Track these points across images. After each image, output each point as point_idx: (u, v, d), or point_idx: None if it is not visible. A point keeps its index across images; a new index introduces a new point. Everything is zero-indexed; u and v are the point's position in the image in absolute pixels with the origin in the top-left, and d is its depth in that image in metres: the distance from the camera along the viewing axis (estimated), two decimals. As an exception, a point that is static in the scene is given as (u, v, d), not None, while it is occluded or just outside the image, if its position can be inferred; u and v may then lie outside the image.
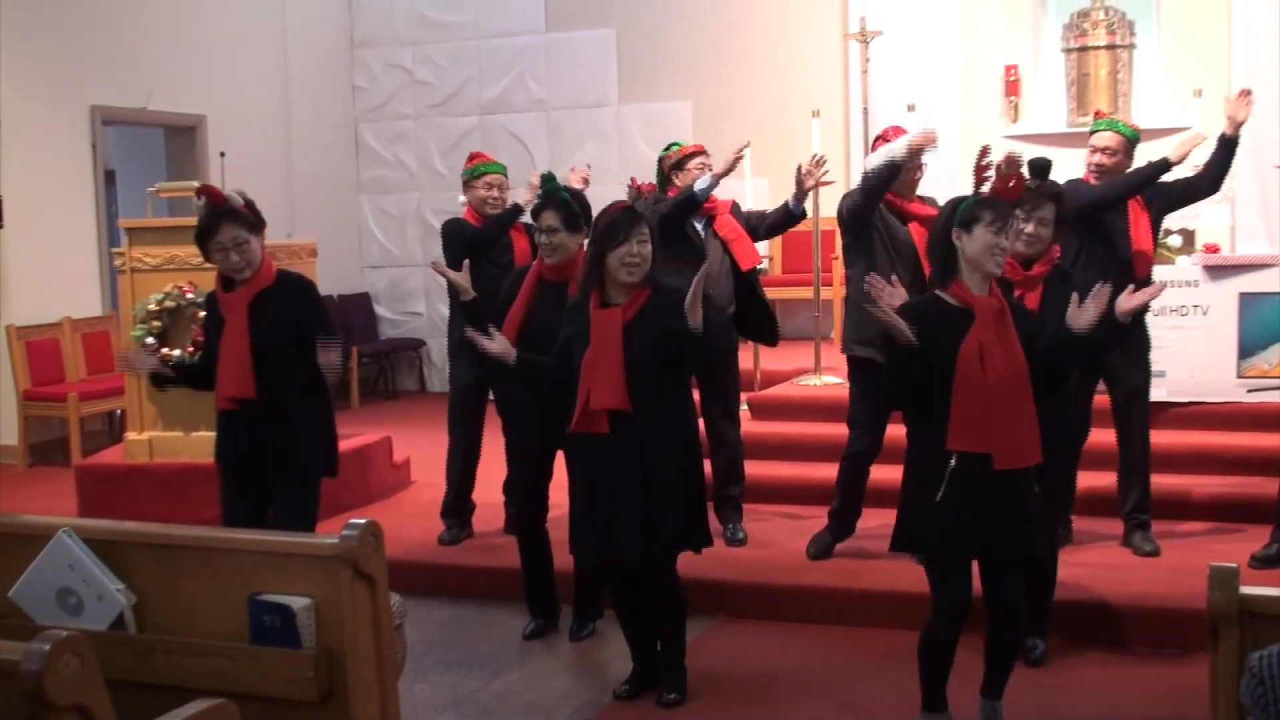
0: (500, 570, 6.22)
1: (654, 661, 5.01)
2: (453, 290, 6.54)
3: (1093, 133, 6.15)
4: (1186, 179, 6.17)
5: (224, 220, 4.85)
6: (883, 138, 6.07)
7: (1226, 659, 2.90)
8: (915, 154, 5.76)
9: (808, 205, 6.64)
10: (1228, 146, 5.98)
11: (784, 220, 6.50)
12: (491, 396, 6.67)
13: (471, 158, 6.90)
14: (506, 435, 5.65)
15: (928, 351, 4.16)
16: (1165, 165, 5.94)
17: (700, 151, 6.55)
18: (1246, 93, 6.11)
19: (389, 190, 12.55)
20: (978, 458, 4.16)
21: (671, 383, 4.74)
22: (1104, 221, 5.91)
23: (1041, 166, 4.95)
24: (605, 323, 4.64)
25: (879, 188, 5.78)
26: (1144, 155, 6.16)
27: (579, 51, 11.79)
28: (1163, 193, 6.07)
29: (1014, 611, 4.35)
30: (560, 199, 5.39)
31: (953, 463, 4.18)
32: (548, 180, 5.51)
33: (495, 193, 6.66)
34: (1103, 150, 6.02)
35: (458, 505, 6.85)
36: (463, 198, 6.80)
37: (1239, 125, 5.96)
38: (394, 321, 12.62)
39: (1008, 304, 4.29)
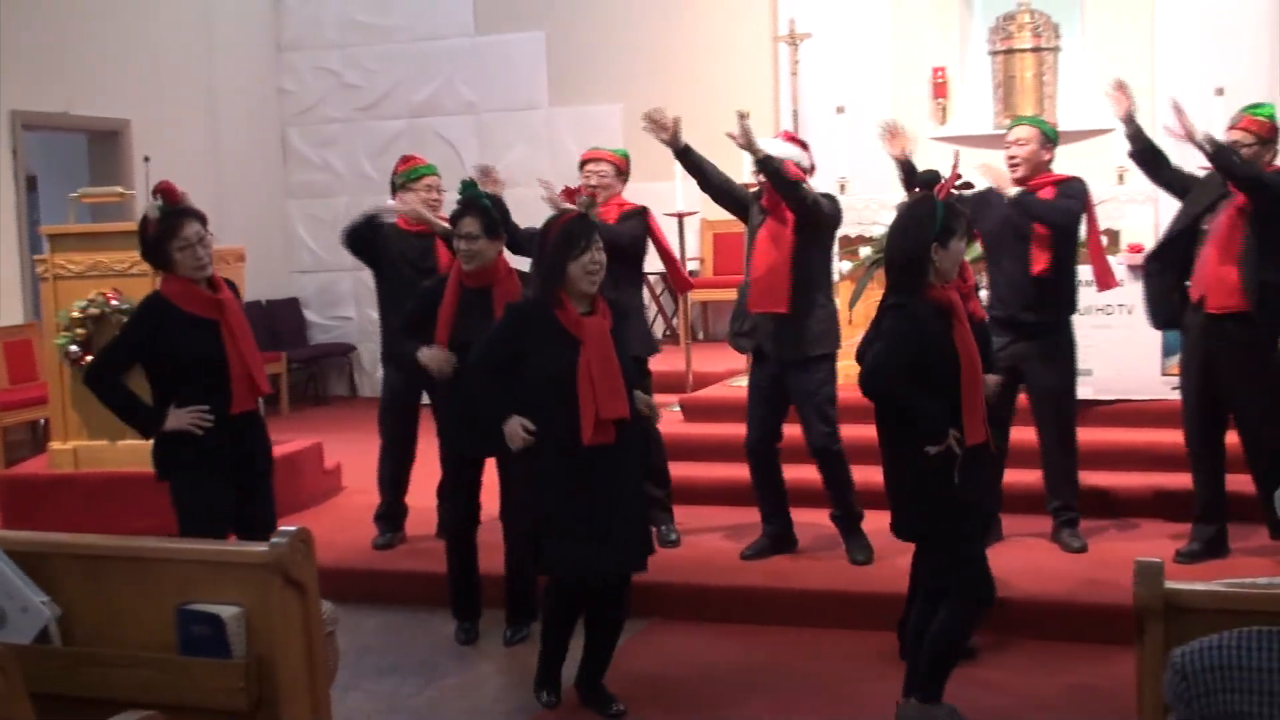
0: (434, 575, 6.17)
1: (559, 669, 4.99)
2: (383, 297, 6.53)
3: (1008, 129, 6.26)
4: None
5: (186, 217, 4.78)
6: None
7: (1152, 653, 2.94)
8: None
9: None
10: (1135, 135, 6.08)
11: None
12: (426, 400, 6.64)
13: (405, 161, 6.84)
14: (441, 440, 5.62)
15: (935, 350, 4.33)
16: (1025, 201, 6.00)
17: (598, 158, 6.53)
18: (1121, 85, 6.16)
19: (317, 194, 12.44)
20: (979, 446, 4.38)
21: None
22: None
23: (931, 180, 4.97)
24: (597, 332, 4.60)
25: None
26: (1072, 156, 6.25)
27: (509, 54, 11.76)
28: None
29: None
30: (480, 205, 5.39)
31: (959, 451, 4.32)
32: (467, 186, 5.49)
33: (435, 194, 6.62)
34: (1015, 143, 6.10)
35: (390, 510, 6.81)
36: (393, 202, 6.73)
37: (1129, 115, 6.07)
38: (324, 327, 12.51)
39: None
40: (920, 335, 4.32)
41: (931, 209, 4.37)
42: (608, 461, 4.57)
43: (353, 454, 8.16)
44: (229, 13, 11.85)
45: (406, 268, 6.44)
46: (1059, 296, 6.05)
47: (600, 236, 4.67)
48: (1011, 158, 6.09)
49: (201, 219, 4.84)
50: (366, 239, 6.53)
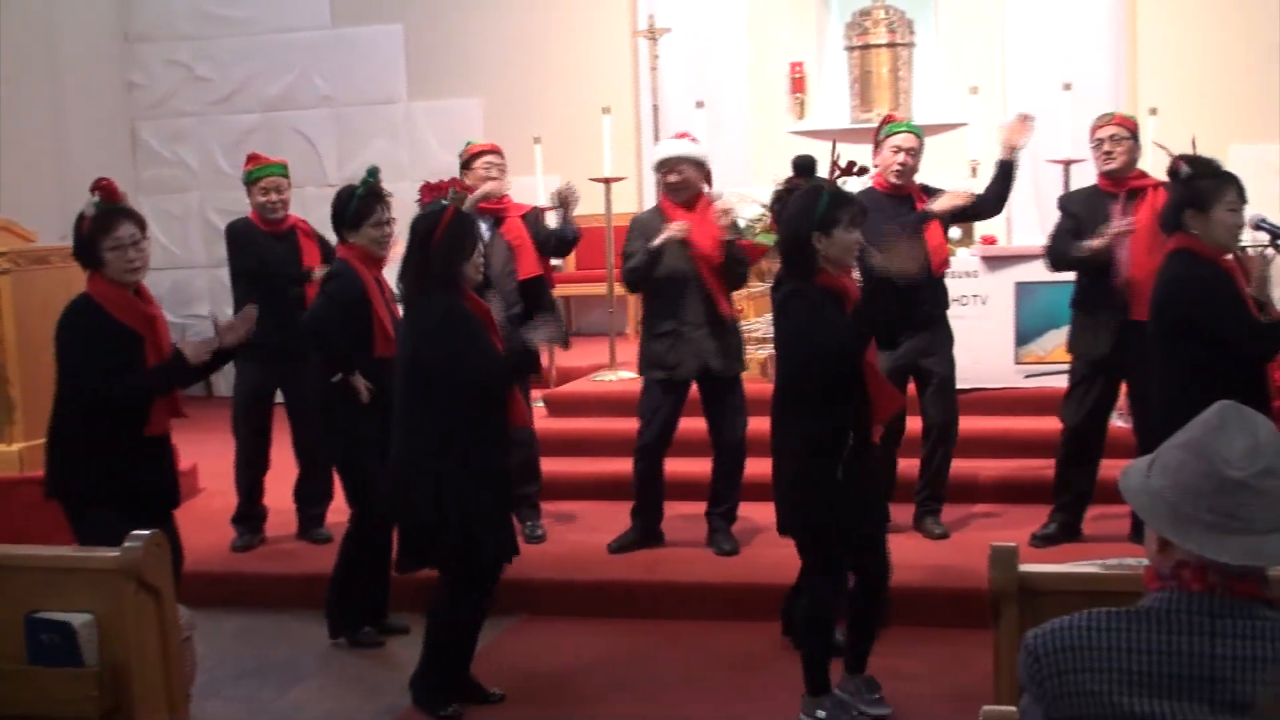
0: (295, 577, 6.10)
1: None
2: (239, 299, 6.39)
3: (893, 133, 6.20)
4: (976, 199, 6.26)
5: (121, 216, 4.54)
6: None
7: (1008, 636, 3.01)
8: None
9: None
10: (1005, 172, 6.15)
11: (560, 245, 6.55)
12: (281, 399, 6.54)
13: (249, 159, 6.70)
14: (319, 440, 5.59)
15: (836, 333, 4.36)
16: (928, 217, 6.08)
17: (490, 150, 6.50)
18: (1025, 119, 6.23)
19: (170, 190, 12.14)
20: (862, 435, 4.42)
21: None
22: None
23: (807, 165, 5.00)
24: (494, 316, 4.74)
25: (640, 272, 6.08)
26: (926, 150, 6.33)
27: (366, 47, 11.59)
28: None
29: (886, 585, 4.63)
30: (383, 191, 5.43)
31: (850, 441, 4.37)
32: (372, 174, 5.44)
33: (274, 196, 6.49)
34: (907, 151, 6.13)
35: (248, 511, 6.68)
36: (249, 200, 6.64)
37: (1014, 150, 6.14)
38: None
39: None
40: (818, 319, 4.37)
41: (815, 199, 4.42)
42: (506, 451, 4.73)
43: (210, 455, 7.98)
44: (72, 3, 11.50)
45: (268, 268, 6.35)
46: (937, 292, 6.17)
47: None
48: (903, 162, 6.13)
49: (139, 222, 4.60)
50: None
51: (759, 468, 6.45)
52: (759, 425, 6.39)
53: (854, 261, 4.47)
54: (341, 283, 5.31)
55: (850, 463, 4.36)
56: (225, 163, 11.74)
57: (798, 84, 10.70)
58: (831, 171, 4.58)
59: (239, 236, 6.46)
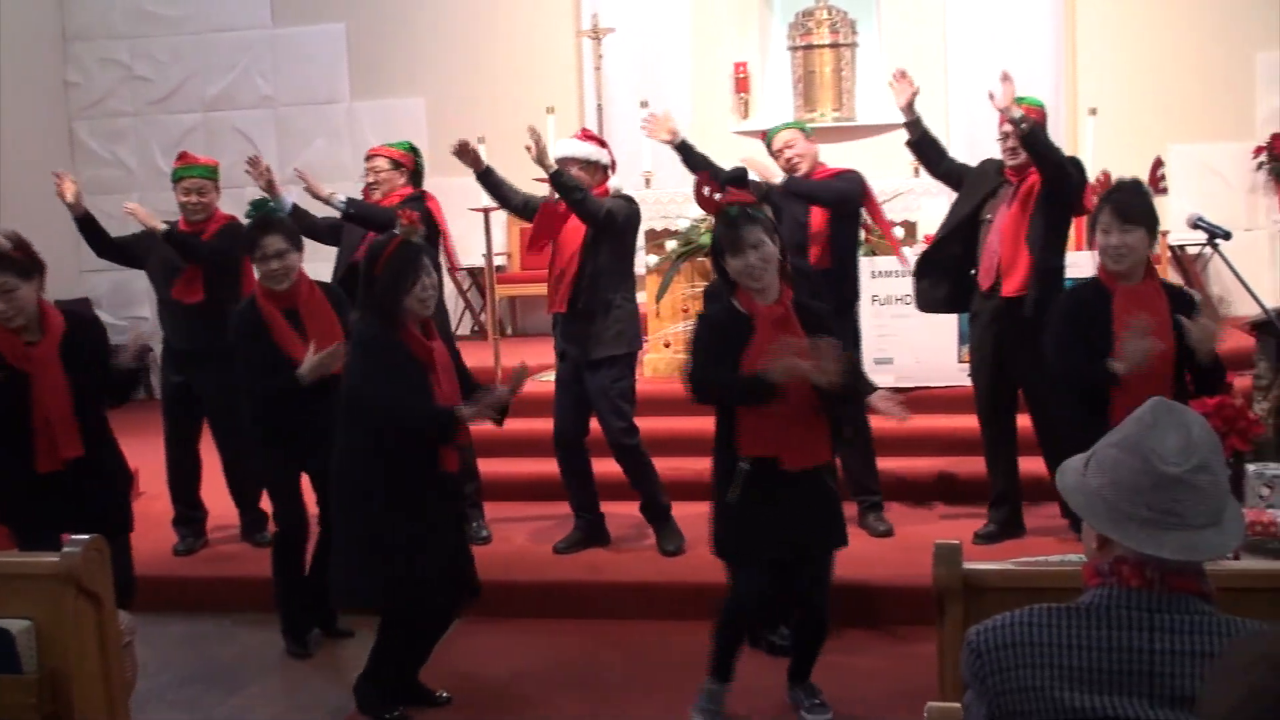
0: (239, 580, 6.04)
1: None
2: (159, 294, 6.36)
3: (773, 137, 6.37)
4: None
5: None
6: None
7: (952, 633, 3.02)
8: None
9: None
10: (917, 130, 6.18)
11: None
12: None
13: (179, 158, 6.68)
14: (243, 446, 5.52)
15: (729, 358, 4.35)
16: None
17: (373, 155, 6.63)
18: (902, 74, 6.31)
19: (108, 190, 11.95)
20: (766, 461, 4.35)
21: None
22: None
23: (738, 178, 5.02)
24: (444, 355, 4.64)
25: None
26: (870, 150, 6.39)
27: (307, 47, 11.51)
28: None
29: (820, 604, 4.58)
30: (280, 220, 5.30)
31: (745, 466, 4.35)
32: (259, 206, 5.33)
33: (195, 198, 6.44)
34: (787, 146, 6.29)
35: (188, 514, 6.62)
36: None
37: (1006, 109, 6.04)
38: (118, 327, 12.03)
39: (794, 309, 4.41)
40: (710, 336, 4.42)
41: (716, 223, 4.47)
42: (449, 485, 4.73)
43: (152, 458, 7.88)
44: (8, 0, 11.34)
45: (172, 271, 6.32)
46: (838, 287, 6.18)
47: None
48: (789, 160, 6.22)
49: (18, 267, 4.53)
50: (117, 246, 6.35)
51: (699, 466, 6.49)
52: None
53: (755, 284, 4.37)
54: (236, 319, 5.24)
55: (749, 488, 4.36)
56: (165, 163, 11.55)
57: (741, 84, 10.74)
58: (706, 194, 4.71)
59: (145, 238, 6.48)
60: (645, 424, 6.27)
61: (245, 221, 5.37)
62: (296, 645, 5.48)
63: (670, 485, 6.28)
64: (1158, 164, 5.04)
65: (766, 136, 6.45)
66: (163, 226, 6.18)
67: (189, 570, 6.33)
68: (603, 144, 6.22)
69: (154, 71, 11.82)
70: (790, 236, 6.07)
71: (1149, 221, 4.69)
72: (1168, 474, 2.08)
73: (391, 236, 4.61)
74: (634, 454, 6.15)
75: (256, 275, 5.26)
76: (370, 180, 6.50)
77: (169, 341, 6.53)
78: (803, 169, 6.20)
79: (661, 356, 8.06)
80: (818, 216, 6.20)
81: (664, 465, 6.31)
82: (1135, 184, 4.84)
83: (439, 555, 4.57)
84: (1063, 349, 4.78)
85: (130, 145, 11.94)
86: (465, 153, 6.08)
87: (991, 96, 5.78)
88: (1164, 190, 5.01)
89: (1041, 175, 5.69)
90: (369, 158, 6.58)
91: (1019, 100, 5.95)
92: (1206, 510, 2.09)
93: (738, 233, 4.36)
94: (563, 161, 6.03)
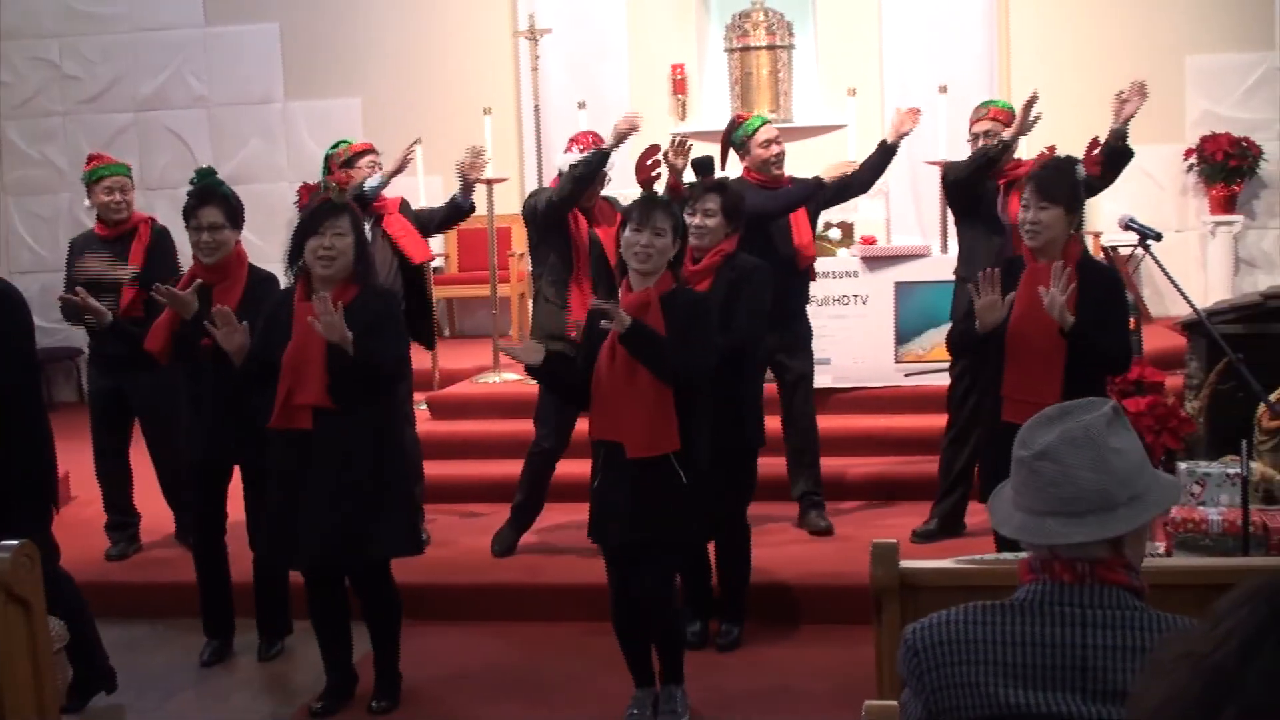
0: (173, 585, 5.96)
1: (349, 674, 4.89)
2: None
3: (755, 129, 6.25)
4: (842, 179, 6.44)
5: None
6: (575, 141, 6.17)
7: (889, 631, 3.04)
8: (621, 139, 5.95)
9: (478, 200, 6.65)
10: (886, 153, 6.37)
11: (452, 214, 6.48)
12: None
13: (90, 159, 6.55)
14: (176, 450, 5.44)
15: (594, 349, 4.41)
16: (819, 184, 6.23)
17: (369, 150, 6.47)
18: (916, 111, 6.46)
19: (37, 191, 11.81)
20: (615, 447, 4.36)
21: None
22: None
23: (704, 164, 5.09)
24: (308, 316, 4.49)
25: (589, 176, 5.90)
26: (807, 151, 6.41)
27: (241, 46, 11.39)
28: (831, 186, 6.36)
29: (651, 599, 4.48)
30: (221, 193, 5.24)
31: (602, 452, 4.41)
32: (205, 174, 5.31)
33: (118, 196, 6.34)
34: (776, 140, 6.22)
35: (120, 518, 6.53)
36: (87, 202, 6.50)
37: (901, 137, 6.33)
38: (48, 330, 11.84)
39: (660, 299, 4.40)
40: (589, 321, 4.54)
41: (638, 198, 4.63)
42: (305, 451, 4.53)
43: (83, 462, 7.78)
44: (-65, -1, 11.16)
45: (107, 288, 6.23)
46: (806, 286, 6.23)
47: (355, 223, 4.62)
48: (779, 154, 6.19)
49: None
50: None
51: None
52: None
53: (638, 264, 4.39)
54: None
55: (603, 473, 4.43)
56: (92, 165, 11.47)
57: (679, 85, 10.75)
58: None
59: (71, 251, 6.38)
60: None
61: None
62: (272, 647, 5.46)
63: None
64: (1094, 144, 5.09)
65: (742, 128, 6.27)
66: (109, 317, 5.88)
67: (122, 575, 6.24)
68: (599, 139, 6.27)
69: (84, 70, 11.66)
70: (768, 247, 6.05)
71: (1069, 201, 4.65)
72: (1016, 455, 2.18)
73: (321, 196, 4.69)
74: None
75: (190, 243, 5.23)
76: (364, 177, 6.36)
77: (98, 347, 6.41)
78: (781, 170, 6.20)
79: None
80: (801, 227, 6.18)
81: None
82: (1061, 162, 4.88)
83: (272, 514, 4.69)
84: (965, 316, 4.79)
85: (60, 145, 11.76)
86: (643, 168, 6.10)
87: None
88: (1098, 170, 5.05)
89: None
90: (363, 153, 6.44)
91: (989, 104, 6.14)
92: (1044, 497, 2.13)
93: (650, 211, 4.40)
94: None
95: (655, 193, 4.60)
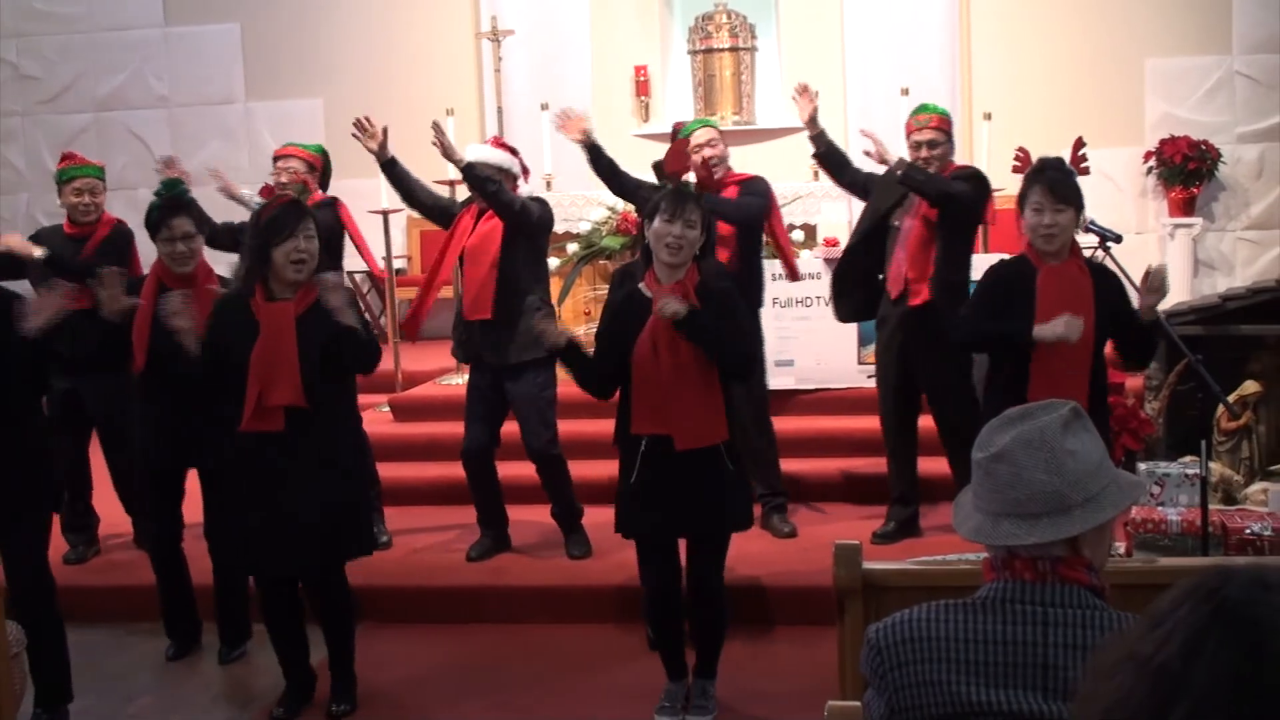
0: (133, 589, 5.90)
1: (308, 676, 4.86)
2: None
3: (688, 134, 6.25)
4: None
5: None
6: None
7: (853, 631, 3.04)
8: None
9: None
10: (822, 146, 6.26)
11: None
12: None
13: (62, 159, 6.52)
14: (131, 455, 5.39)
15: (624, 340, 4.40)
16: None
17: (287, 155, 6.44)
18: (804, 87, 6.30)
19: (-4, 191, 11.72)
20: (661, 440, 4.33)
21: (341, 381, 4.72)
22: None
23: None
24: (276, 317, 4.46)
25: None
26: (770, 153, 6.42)
27: (202, 46, 11.32)
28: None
29: (709, 589, 4.55)
30: (190, 203, 5.22)
31: (643, 447, 4.36)
32: (172, 185, 5.26)
33: (87, 198, 6.31)
34: (707, 144, 6.19)
35: (78, 521, 6.46)
36: (59, 201, 6.45)
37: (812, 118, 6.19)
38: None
39: (696, 290, 4.40)
40: (611, 321, 4.52)
41: (665, 188, 4.59)
42: (278, 452, 4.48)
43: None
44: (-110, -3, 11.04)
45: (68, 274, 6.16)
46: (744, 290, 6.20)
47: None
48: (708, 160, 6.17)
49: None
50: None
51: (605, 469, 6.47)
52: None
53: (668, 256, 4.38)
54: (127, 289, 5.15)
55: (644, 467, 4.40)
56: (54, 163, 11.35)
57: (642, 87, 10.75)
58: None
59: (42, 241, 6.31)
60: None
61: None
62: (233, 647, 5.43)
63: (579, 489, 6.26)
64: (1079, 144, 5.13)
65: (681, 131, 6.32)
66: (39, 253, 5.99)
67: (80, 579, 6.17)
68: (514, 152, 6.16)
69: (43, 70, 11.56)
70: None
71: (1078, 201, 4.70)
72: (974, 457, 2.19)
73: (280, 197, 4.60)
74: (557, 463, 6.11)
75: (159, 254, 5.16)
76: (280, 180, 6.33)
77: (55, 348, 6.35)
78: (719, 172, 6.17)
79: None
80: (726, 225, 6.18)
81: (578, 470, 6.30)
82: (1061, 162, 4.88)
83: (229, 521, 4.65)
84: (975, 316, 4.77)
85: (18, 146, 11.66)
86: (369, 134, 5.94)
87: (868, 153, 6.00)
88: (1086, 170, 5.06)
89: (930, 205, 5.79)
90: (281, 157, 6.40)
91: (924, 109, 6.06)
92: (999, 499, 2.14)
93: (682, 203, 4.39)
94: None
95: (685, 183, 4.56)
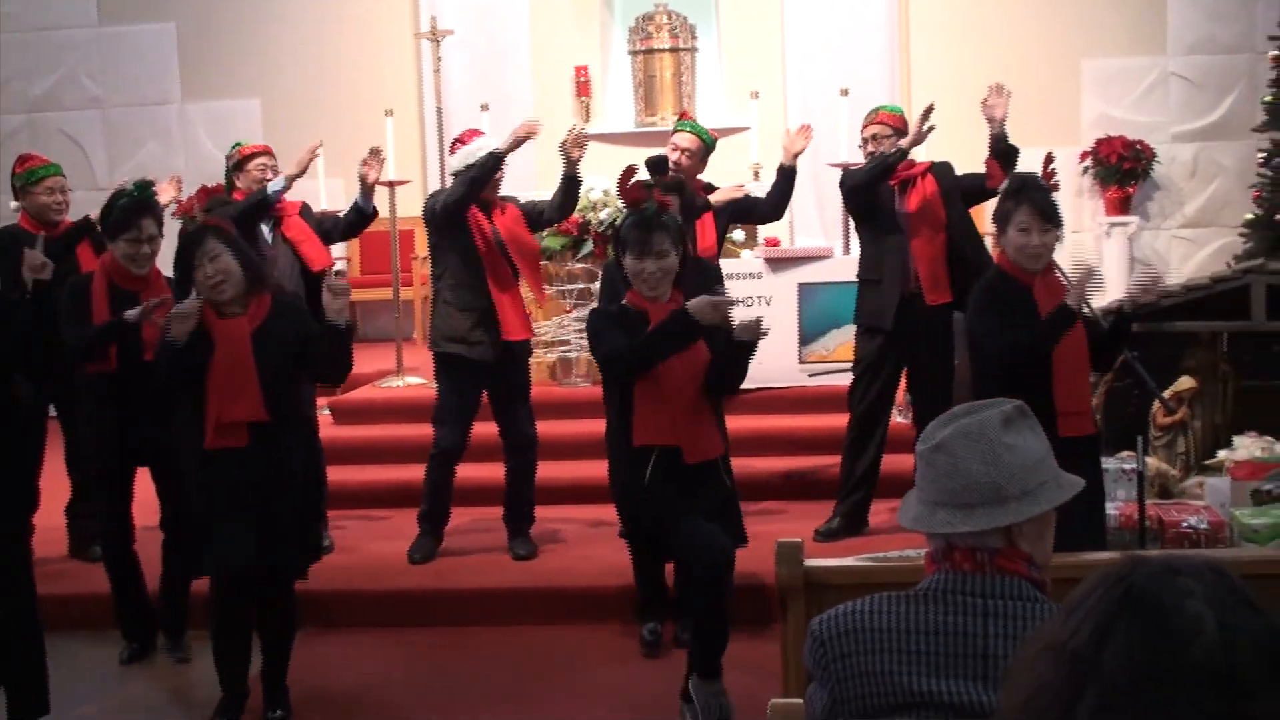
0: (71, 597, 5.82)
1: (246, 688, 4.80)
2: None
3: (675, 131, 6.35)
4: (754, 200, 6.52)
5: None
6: (460, 140, 6.11)
7: (795, 628, 3.05)
8: (517, 144, 5.90)
9: (380, 203, 6.59)
10: (787, 176, 6.35)
11: (356, 221, 6.40)
12: (54, 413, 6.26)
13: (23, 161, 6.41)
14: (83, 455, 5.33)
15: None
16: (708, 206, 6.22)
17: (264, 152, 6.38)
18: (806, 128, 6.50)
19: (-74, 194, 11.52)
20: (670, 451, 4.36)
21: (298, 390, 4.73)
22: None
23: (658, 163, 5.09)
24: (231, 333, 4.44)
25: (484, 178, 5.83)
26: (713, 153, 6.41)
27: (136, 46, 11.18)
28: (732, 206, 6.37)
29: (725, 557, 4.48)
30: (156, 204, 5.23)
31: (654, 458, 4.36)
32: (141, 188, 5.21)
33: (59, 197, 6.24)
34: (683, 151, 6.22)
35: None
36: (15, 203, 6.33)
37: (795, 156, 6.32)
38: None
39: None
40: (609, 322, 4.47)
41: (626, 219, 4.53)
42: (243, 466, 4.43)
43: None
44: None
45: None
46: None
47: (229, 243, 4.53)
48: (677, 164, 6.19)
49: None
50: None
51: (555, 470, 6.46)
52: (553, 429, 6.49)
53: (648, 290, 4.41)
54: (66, 290, 5.10)
55: (651, 476, 4.40)
56: (-6, 167, 11.19)
57: (583, 88, 10.74)
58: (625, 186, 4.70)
59: (10, 238, 6.20)
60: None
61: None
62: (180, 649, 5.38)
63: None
64: (1049, 159, 5.19)
65: (676, 125, 6.45)
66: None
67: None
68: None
69: (-27, 71, 11.38)
70: None
71: (1059, 220, 4.75)
72: (916, 450, 2.25)
73: (207, 219, 4.71)
74: (534, 452, 6.17)
75: (118, 254, 5.07)
76: (268, 177, 6.25)
77: None
78: (683, 177, 6.19)
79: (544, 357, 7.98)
80: (706, 232, 6.18)
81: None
82: (1039, 180, 4.91)
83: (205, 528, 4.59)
84: (995, 331, 4.67)
85: (-51, 148, 11.47)
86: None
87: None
88: (1056, 186, 5.13)
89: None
90: (258, 154, 6.35)
91: (878, 109, 6.17)
92: (936, 488, 2.19)
93: (647, 235, 4.37)
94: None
95: (644, 210, 4.51)
